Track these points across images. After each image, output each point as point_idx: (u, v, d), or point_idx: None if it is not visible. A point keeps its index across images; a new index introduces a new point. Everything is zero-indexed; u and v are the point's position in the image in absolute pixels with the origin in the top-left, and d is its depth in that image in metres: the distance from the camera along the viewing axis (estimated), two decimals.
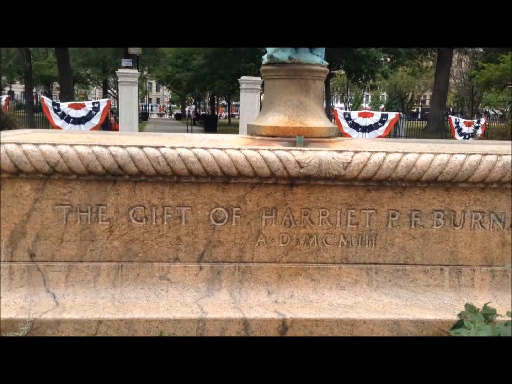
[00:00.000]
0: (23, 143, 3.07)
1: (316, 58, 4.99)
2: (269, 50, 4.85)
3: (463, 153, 3.32)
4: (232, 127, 30.33)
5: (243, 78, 16.08)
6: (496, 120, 32.87)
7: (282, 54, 4.82)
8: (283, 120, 4.64)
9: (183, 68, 33.93)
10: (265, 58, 5.09)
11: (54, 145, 3.09)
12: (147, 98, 73.11)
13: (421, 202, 3.36)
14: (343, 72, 28.97)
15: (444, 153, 3.36)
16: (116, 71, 15.36)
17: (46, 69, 38.24)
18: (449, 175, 3.26)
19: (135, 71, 15.82)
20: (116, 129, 15.19)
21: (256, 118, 5.03)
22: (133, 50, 24.92)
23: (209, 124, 31.13)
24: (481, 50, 36.90)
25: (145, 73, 46.47)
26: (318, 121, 4.71)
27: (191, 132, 19.25)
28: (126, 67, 20.58)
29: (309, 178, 3.31)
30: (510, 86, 30.42)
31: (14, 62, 20.01)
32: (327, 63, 5.16)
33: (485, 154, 3.31)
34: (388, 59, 25.22)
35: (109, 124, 16.30)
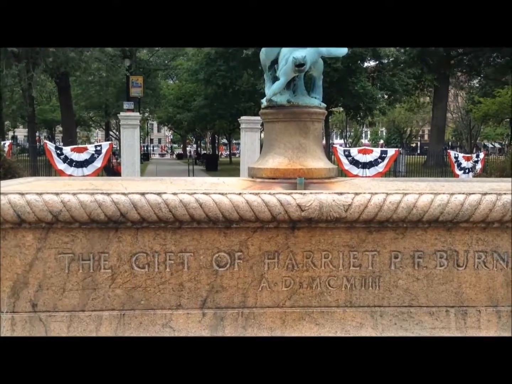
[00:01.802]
0: (27, 193, 3.10)
1: (314, 100, 5.09)
2: (268, 93, 4.94)
3: (463, 193, 3.33)
4: (233, 166, 30.53)
5: (243, 118, 16.29)
6: (495, 153, 33.05)
7: (280, 97, 4.92)
8: (283, 162, 4.68)
9: (184, 109, 34.46)
10: (264, 102, 5.18)
11: (57, 194, 3.11)
12: (149, 139, 73.96)
13: (424, 242, 3.36)
14: (341, 109, 29.34)
15: (444, 193, 3.37)
16: (118, 114, 15.57)
17: (49, 113, 38.88)
18: (450, 215, 3.26)
19: (137, 113, 16.04)
20: (118, 171, 15.29)
21: (256, 161, 5.08)
22: (134, 93, 25.37)
23: (210, 164, 31.36)
24: (477, 85, 37.50)
25: (146, 114, 47.16)
26: (318, 162, 4.75)
27: (193, 171, 19.39)
28: (128, 110, 20.93)
29: (311, 221, 3.31)
30: (508, 119, 30.77)
31: (18, 107, 20.42)
32: (325, 105, 5.24)
33: (485, 194, 3.32)
34: (386, 96, 25.58)
35: (111, 166, 16.42)
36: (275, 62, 4.97)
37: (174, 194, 3.25)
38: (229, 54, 21.02)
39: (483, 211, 3.25)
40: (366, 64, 24.17)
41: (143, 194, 3.21)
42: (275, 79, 5.02)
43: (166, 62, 34.59)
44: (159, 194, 3.22)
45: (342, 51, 4.82)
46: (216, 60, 22.03)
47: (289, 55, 4.55)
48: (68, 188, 3.66)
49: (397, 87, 22.96)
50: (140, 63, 30.35)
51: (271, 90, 4.81)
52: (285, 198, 3.33)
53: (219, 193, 3.33)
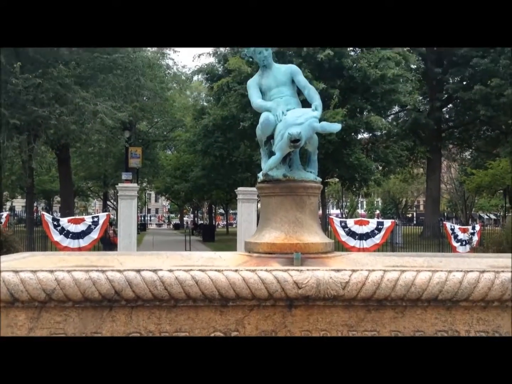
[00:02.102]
0: (21, 270, 3.06)
1: (310, 175, 5.17)
2: (264, 168, 5.03)
3: (461, 271, 3.31)
4: (230, 236, 30.45)
5: (240, 189, 16.45)
6: (490, 224, 33.18)
7: (276, 172, 5.00)
8: (279, 237, 4.68)
9: (181, 179, 34.85)
10: (260, 176, 5.26)
11: (51, 271, 3.07)
12: (146, 209, 74.21)
13: (424, 322, 3.29)
14: (337, 180, 29.73)
15: (442, 270, 3.35)
16: (116, 185, 15.71)
17: (48, 184, 39.21)
18: (449, 293, 3.22)
19: (135, 185, 16.20)
20: (115, 242, 15.20)
21: (253, 235, 5.07)
22: (133, 164, 25.76)
23: (207, 234, 31.28)
24: (468, 156, 38.30)
25: (144, 184, 47.62)
26: (314, 237, 4.75)
27: (189, 242, 19.32)
28: (126, 180, 21.16)
29: (308, 299, 3.26)
30: (501, 191, 31.17)
31: (17, 178, 20.64)
32: (320, 179, 5.32)
33: (483, 271, 3.30)
34: (380, 167, 26.02)
35: (107, 237, 16.34)
36: (270, 137, 5.11)
37: (170, 271, 3.22)
38: (226, 126, 21.58)
39: (482, 290, 3.21)
40: (360, 136, 24.80)
41: (138, 271, 3.17)
42: (271, 154, 5.13)
43: (165, 133, 35.38)
44: (154, 271, 3.19)
45: (336, 127, 4.97)
46: (213, 131, 22.56)
47: (284, 131, 4.68)
48: (63, 264, 3.63)
49: (391, 159, 23.39)
50: (139, 134, 31.05)
51: (267, 165, 4.91)
52: (281, 275, 3.29)
53: (216, 270, 3.30)
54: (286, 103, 5.09)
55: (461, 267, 3.50)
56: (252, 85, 5.42)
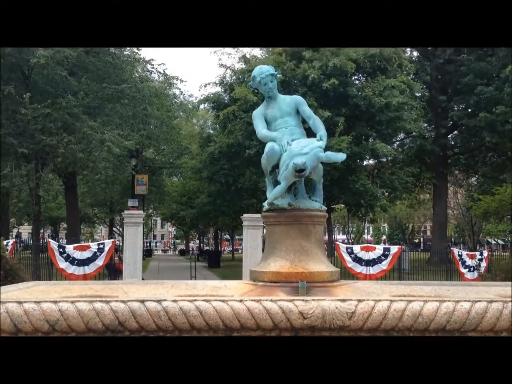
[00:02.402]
0: (25, 301, 3.05)
1: (315, 203, 5.17)
2: (269, 197, 5.04)
3: (469, 300, 3.27)
4: (235, 262, 30.29)
5: (245, 215, 16.42)
6: (498, 250, 32.85)
7: (282, 201, 5.00)
8: (285, 266, 4.65)
9: (187, 206, 34.91)
10: (265, 205, 5.26)
11: (55, 302, 3.06)
12: (152, 235, 74.14)
13: None
14: (343, 206, 29.68)
15: (449, 300, 3.31)
16: (122, 212, 15.76)
17: (54, 210, 39.39)
18: (457, 324, 3.17)
19: (141, 212, 16.24)
20: (120, 269, 15.14)
21: (258, 264, 5.05)
22: (139, 191, 25.85)
23: (213, 260, 31.14)
24: (475, 182, 38.20)
25: (150, 210, 47.68)
26: (320, 265, 4.72)
27: (195, 268, 19.23)
28: (132, 207, 21.21)
29: (314, 329, 3.22)
30: (509, 216, 30.96)
31: (24, 205, 20.78)
32: (325, 208, 5.31)
33: (491, 301, 3.25)
34: (386, 194, 25.98)
35: (113, 263, 16.30)
36: (276, 167, 5.13)
37: (174, 301, 3.20)
38: (232, 154, 21.71)
39: (490, 320, 3.17)
40: (365, 163, 24.86)
41: (142, 301, 3.16)
42: (276, 183, 5.15)
43: (171, 160, 35.62)
44: (159, 301, 3.17)
45: (341, 156, 5.00)
46: (219, 159, 22.71)
47: (289, 160, 4.70)
48: (68, 293, 3.61)
49: (397, 185, 23.37)
50: (146, 161, 31.27)
51: (273, 194, 4.92)
52: (286, 305, 3.26)
53: (220, 300, 3.27)
54: (291, 133, 5.13)
55: (469, 296, 3.46)
56: (257, 115, 5.48)
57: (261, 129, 5.31)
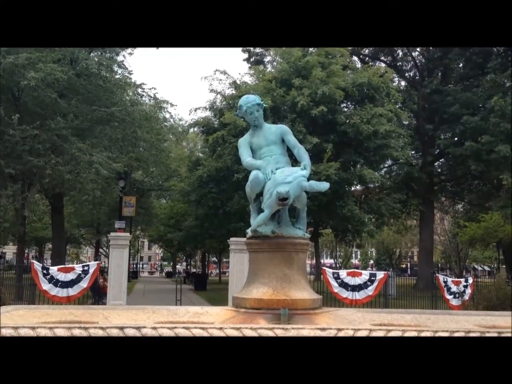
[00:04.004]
0: (3, 327, 3.04)
1: (298, 231, 5.23)
2: (253, 224, 5.09)
3: (447, 331, 3.31)
4: (222, 285, 30.08)
5: (232, 239, 16.40)
6: (484, 276, 33.05)
7: (265, 228, 5.05)
8: (267, 292, 4.68)
9: (175, 228, 34.78)
10: (249, 232, 5.31)
11: (33, 328, 3.05)
12: (139, 256, 73.48)
13: None
14: (330, 230, 29.77)
15: (428, 330, 3.35)
16: (108, 234, 15.67)
17: (40, 231, 39.00)
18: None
19: (127, 234, 16.15)
20: (105, 291, 14.99)
21: (240, 290, 5.06)
22: (127, 213, 25.76)
23: (199, 283, 30.93)
24: (461, 209, 38.59)
25: (138, 232, 47.39)
26: (302, 293, 4.75)
27: (180, 291, 19.07)
28: (119, 229, 21.10)
29: None
30: (494, 243, 31.23)
31: (10, 225, 20.62)
32: (309, 236, 5.38)
33: (469, 331, 3.30)
34: (373, 219, 26.14)
35: (97, 285, 16.13)
36: (260, 194, 5.20)
37: (154, 328, 3.21)
38: (220, 177, 21.78)
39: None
40: (353, 188, 25.04)
41: (121, 328, 3.16)
42: (260, 210, 5.21)
43: (160, 182, 35.61)
44: (138, 328, 3.17)
45: (324, 186, 5.08)
46: (207, 182, 22.76)
47: (273, 189, 4.77)
48: (47, 318, 3.60)
49: (384, 211, 23.52)
50: (134, 183, 31.26)
51: (256, 221, 4.97)
52: (266, 334, 3.28)
53: (200, 328, 3.29)
54: (276, 162, 5.21)
55: (448, 326, 3.50)
56: (243, 143, 5.57)
57: (246, 157, 5.39)
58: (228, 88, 23.38)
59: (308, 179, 4.98)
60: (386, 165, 29.01)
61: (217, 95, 23.43)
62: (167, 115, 28.60)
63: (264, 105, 5.66)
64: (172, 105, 25.56)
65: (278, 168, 5.09)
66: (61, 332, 3.06)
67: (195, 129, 25.56)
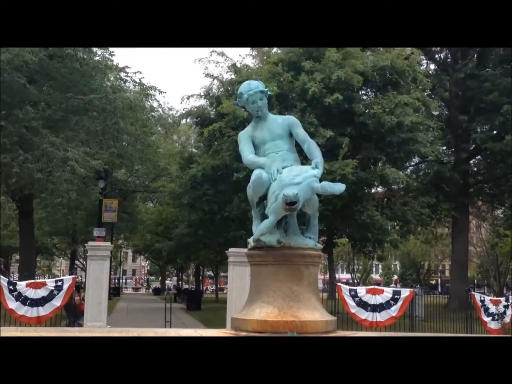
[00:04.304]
0: None
1: (309, 241, 5.23)
2: (255, 233, 5.10)
3: None
4: (219, 304, 30.09)
5: (231, 250, 16.43)
6: None
7: (270, 237, 5.07)
8: (272, 313, 4.69)
9: (164, 237, 34.85)
10: (250, 242, 5.32)
11: None
12: (121, 270, 73.58)
13: None
14: (347, 240, 29.77)
15: None
16: (86, 244, 15.70)
17: (6, 239, 39.08)
18: None
19: (108, 243, 16.20)
20: (81, 310, 15.01)
21: (240, 310, 5.08)
22: (107, 218, 25.81)
23: (193, 301, 30.95)
24: (501, 215, 38.49)
25: (120, 241, 47.45)
26: (313, 313, 4.76)
27: (170, 311, 19.07)
28: (98, 238, 21.14)
29: None
30: None
31: None
32: (321, 246, 5.39)
33: None
34: (397, 227, 26.09)
35: (73, 304, 16.15)
36: (263, 198, 5.22)
37: None
38: (217, 177, 21.80)
39: None
40: (373, 191, 25.00)
41: None
42: (263, 216, 5.22)
43: (146, 183, 35.66)
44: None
45: (339, 188, 5.07)
46: (202, 183, 22.79)
47: (279, 191, 4.78)
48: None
49: (410, 217, 23.47)
50: (116, 184, 31.31)
51: (259, 230, 4.99)
52: None
53: None
54: (282, 159, 5.23)
55: None
56: (244, 138, 5.59)
57: (247, 154, 5.41)
58: (227, 72, 23.45)
59: (321, 180, 4.99)
60: (412, 163, 29.00)
61: (213, 80, 23.48)
62: (155, 104, 28.72)
63: (269, 92, 5.68)
64: (160, 92, 25.66)
65: (285, 167, 5.10)
66: None
67: (188, 120, 25.59)
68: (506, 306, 16.39)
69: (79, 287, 17.24)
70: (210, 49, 22.61)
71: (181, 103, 75.82)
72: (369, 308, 15.27)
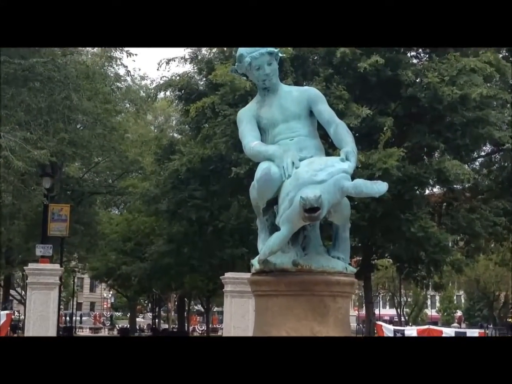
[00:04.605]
0: None
1: (337, 262, 5.21)
2: (262, 250, 5.08)
3: None
4: None
5: (228, 275, 16.46)
6: None
7: (282, 257, 5.04)
8: None
9: (133, 257, 34.81)
10: (255, 264, 5.31)
11: None
12: (75, 303, 73.74)
13: None
14: (390, 261, 29.76)
15: None
16: (25, 267, 15.77)
17: None
18: None
19: (56, 266, 16.27)
20: None
21: None
22: (55, 230, 25.83)
23: None
24: None
25: (73, 263, 47.50)
26: None
27: None
28: (43, 259, 21.17)
29: None
30: None
31: None
32: (354, 270, 5.38)
33: None
34: (461, 243, 26.06)
35: None
36: (273, 202, 5.21)
37: None
38: (209, 173, 21.77)
39: None
40: (427, 192, 24.95)
41: None
42: (273, 227, 5.21)
43: (110, 181, 35.65)
44: None
45: (380, 188, 4.99)
46: (188, 181, 22.72)
47: (295, 193, 4.77)
48: None
49: (479, 229, 23.36)
50: (67, 182, 31.31)
51: (267, 247, 4.98)
52: None
53: None
54: (300, 148, 5.23)
55: None
56: (245, 118, 5.59)
57: (250, 140, 5.40)
58: None
59: (353, 177, 4.97)
60: (482, 153, 28.92)
61: None
62: (122, 71, 28.68)
63: (281, 54, 5.68)
64: (130, 54, 25.63)
65: (303, 158, 5.09)
66: None
67: (168, 93, 25.65)
68: None
69: (15, 326, 17.28)
70: None
71: (158, 69, 75.32)
72: None
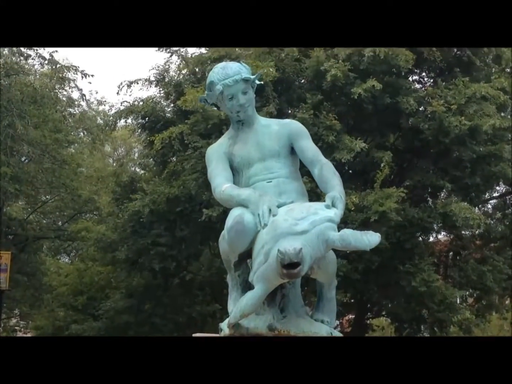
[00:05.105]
0: None
1: (320, 327, 5.22)
2: (233, 313, 5.06)
3: None
4: None
5: (197, 336, 16.31)
6: None
7: (256, 321, 5.04)
8: None
9: (86, 314, 34.60)
10: (224, 328, 5.30)
11: None
12: None
13: None
14: (388, 320, 29.80)
15: None
16: None
17: None
18: None
19: None
20: None
21: None
22: None
23: None
24: None
25: (14, 321, 47.12)
26: None
27: None
28: None
29: None
30: None
31: None
32: (340, 335, 5.39)
33: None
34: (471, 299, 26.13)
35: None
36: (247, 255, 5.20)
37: None
38: (176, 216, 21.69)
39: None
40: (431, 239, 25.01)
41: None
42: (246, 285, 5.21)
43: (60, 224, 35.57)
44: None
45: (371, 240, 4.97)
46: (151, 225, 22.62)
47: (271, 245, 4.75)
48: None
49: (491, 284, 23.42)
50: (9, 225, 31.22)
51: (239, 308, 4.96)
52: None
53: None
54: (279, 192, 5.24)
55: None
56: (215, 156, 5.60)
57: (220, 183, 5.40)
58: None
59: (344, 224, 4.98)
60: (494, 195, 29.12)
61: (171, 56, 23.69)
62: (75, 95, 28.74)
63: (258, 82, 5.68)
64: (85, 75, 25.68)
65: (282, 204, 5.08)
66: None
67: (129, 121, 25.70)
68: None
69: None
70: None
71: (118, 93, 75.44)
72: None
